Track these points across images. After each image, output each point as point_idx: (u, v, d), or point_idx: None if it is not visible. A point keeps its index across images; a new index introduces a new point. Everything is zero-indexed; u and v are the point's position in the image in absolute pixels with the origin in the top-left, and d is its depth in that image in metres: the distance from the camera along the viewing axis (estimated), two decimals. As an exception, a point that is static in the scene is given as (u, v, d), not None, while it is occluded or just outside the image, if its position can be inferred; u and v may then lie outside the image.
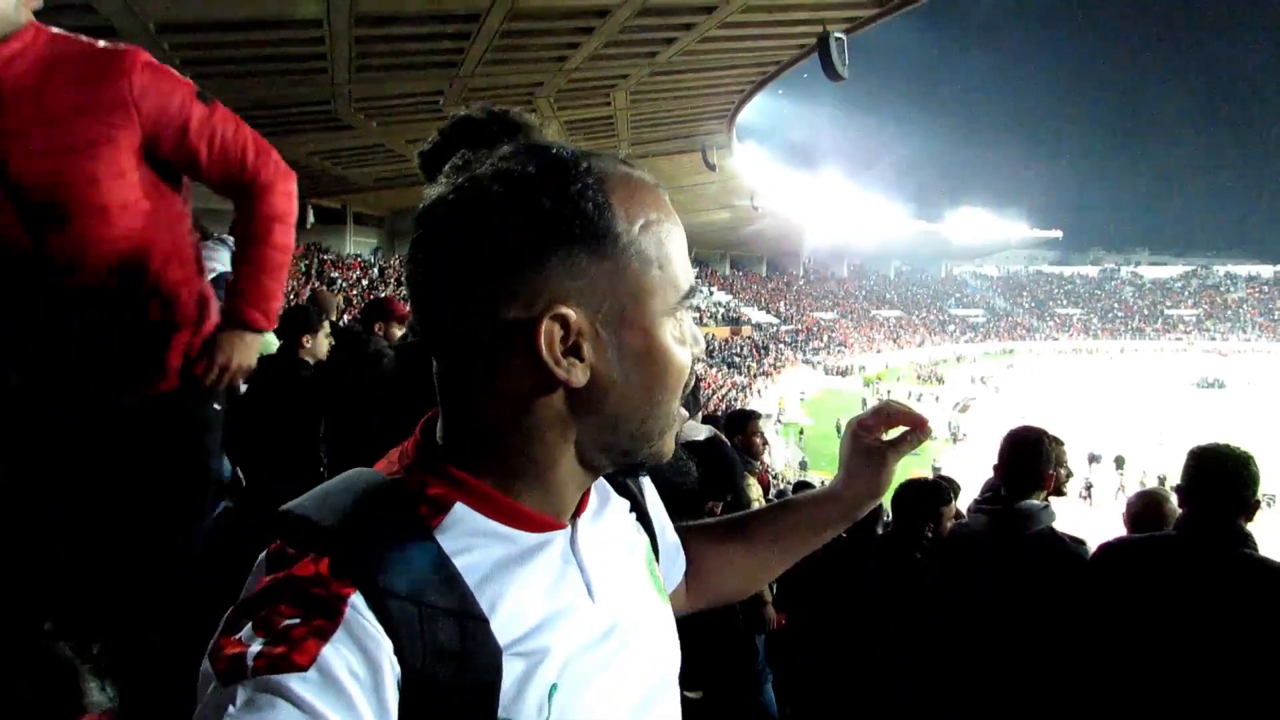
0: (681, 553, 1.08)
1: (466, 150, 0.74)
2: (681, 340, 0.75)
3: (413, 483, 0.72)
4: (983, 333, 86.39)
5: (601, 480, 0.87)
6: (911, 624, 3.18)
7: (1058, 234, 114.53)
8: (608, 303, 0.70)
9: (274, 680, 0.56)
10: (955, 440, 39.35)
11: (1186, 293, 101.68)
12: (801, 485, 7.46)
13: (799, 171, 55.70)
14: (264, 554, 0.67)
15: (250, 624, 0.60)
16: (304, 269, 30.04)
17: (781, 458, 30.69)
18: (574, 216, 0.68)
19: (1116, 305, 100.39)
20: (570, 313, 0.68)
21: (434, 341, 0.74)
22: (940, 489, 3.79)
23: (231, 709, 0.55)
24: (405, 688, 0.61)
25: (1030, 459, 2.89)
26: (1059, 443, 3.04)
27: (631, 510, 0.93)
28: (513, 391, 0.71)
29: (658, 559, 0.95)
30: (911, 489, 3.79)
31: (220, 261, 3.79)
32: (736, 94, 24.03)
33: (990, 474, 4.31)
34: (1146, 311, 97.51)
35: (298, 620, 0.59)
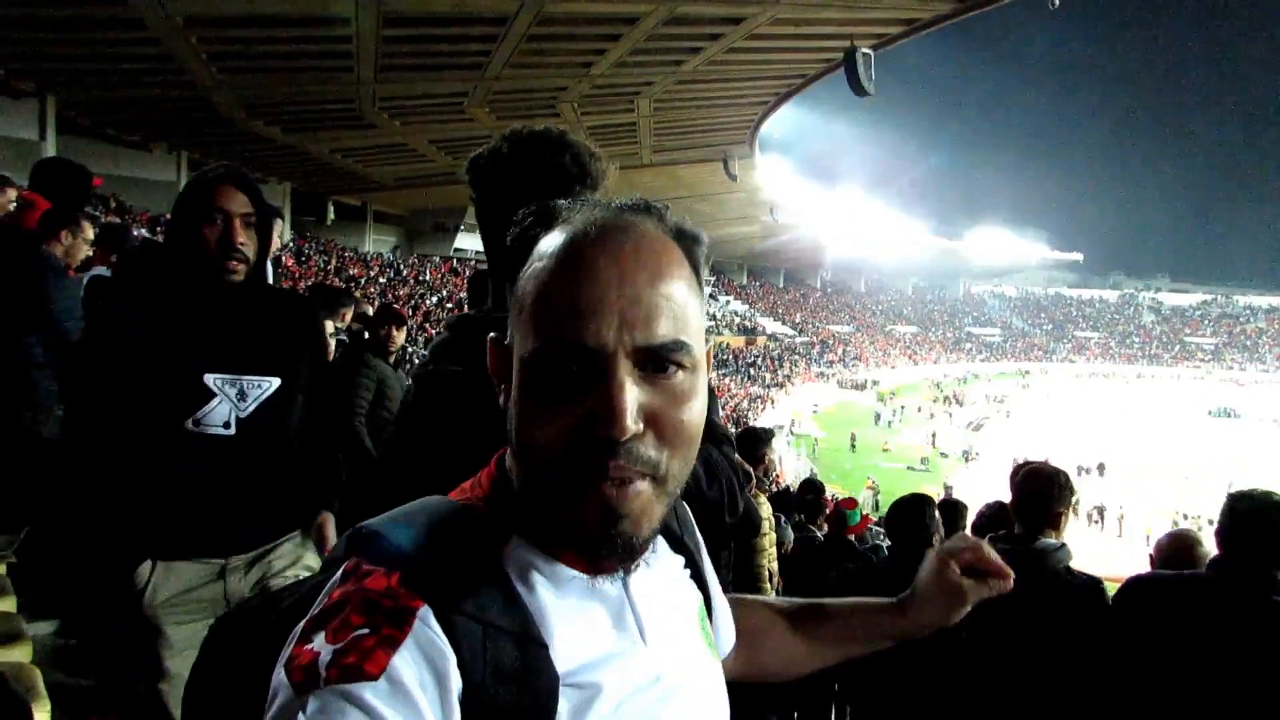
0: (731, 623, 1.06)
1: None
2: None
3: (482, 511, 0.75)
4: (999, 352, 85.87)
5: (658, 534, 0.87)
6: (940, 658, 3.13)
7: (1078, 257, 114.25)
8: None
9: (346, 689, 0.58)
10: (967, 460, 39.13)
11: (1206, 321, 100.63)
12: (808, 484, 7.39)
13: (820, 185, 55.57)
14: (340, 570, 0.69)
15: (322, 634, 0.61)
16: (322, 265, 30.22)
17: (793, 470, 30.52)
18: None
19: (1135, 330, 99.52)
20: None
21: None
22: (923, 501, 3.69)
23: (302, 716, 0.57)
24: (466, 703, 0.63)
25: (1045, 497, 2.89)
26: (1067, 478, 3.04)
27: (686, 567, 0.91)
28: None
29: (710, 619, 0.94)
30: (902, 507, 3.69)
31: None
32: (760, 105, 24.05)
33: (991, 499, 4.31)
34: (1165, 338, 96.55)
35: (367, 630, 0.61)
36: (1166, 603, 2.52)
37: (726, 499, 1.38)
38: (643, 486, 0.67)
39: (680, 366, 0.68)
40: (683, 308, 0.69)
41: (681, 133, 25.93)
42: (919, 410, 52.24)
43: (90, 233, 4.29)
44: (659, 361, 0.67)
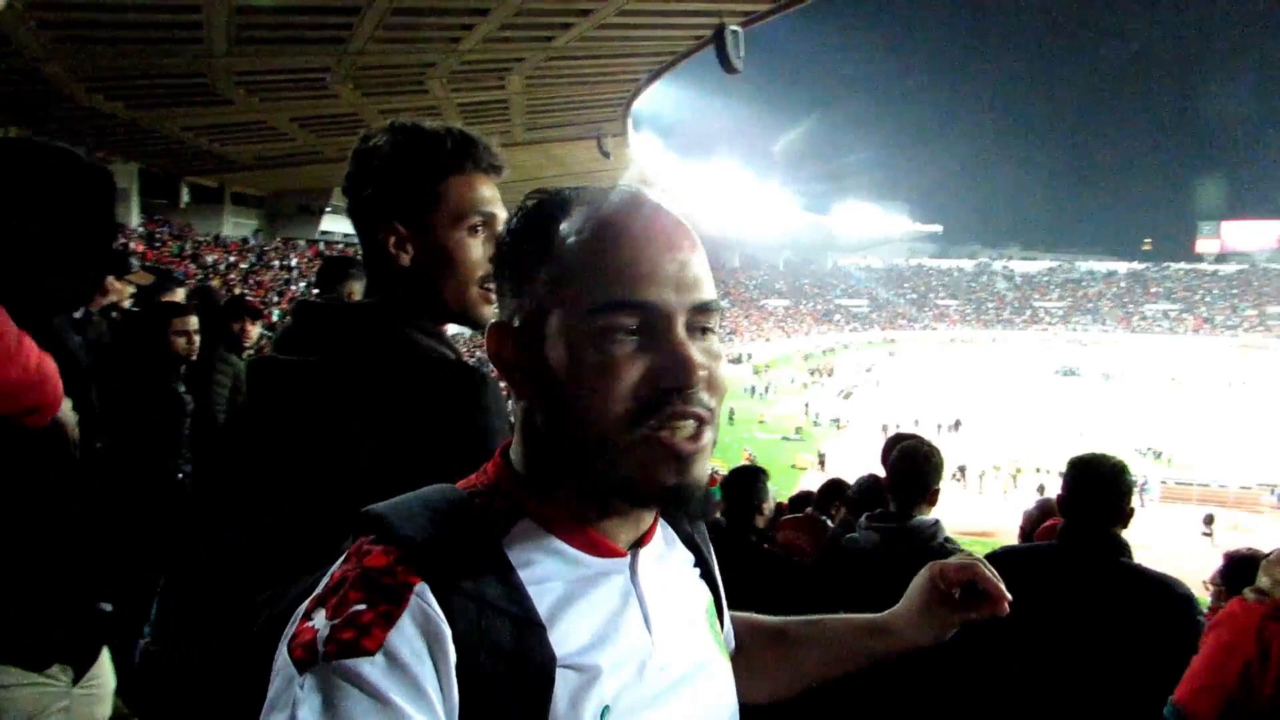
0: (733, 636, 1.06)
1: None
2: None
3: (486, 497, 0.76)
4: (866, 322, 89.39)
5: (669, 529, 0.89)
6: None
7: (938, 228, 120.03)
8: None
9: (343, 665, 0.60)
10: (839, 427, 40.64)
11: (1052, 286, 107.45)
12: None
13: (694, 163, 56.21)
14: (344, 553, 0.70)
15: (323, 611, 0.64)
16: (177, 251, 28.48)
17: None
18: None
19: (990, 298, 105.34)
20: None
21: None
22: (760, 475, 3.89)
23: (300, 692, 0.60)
24: (461, 679, 0.64)
25: (921, 476, 2.93)
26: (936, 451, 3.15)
27: (696, 565, 0.92)
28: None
29: (720, 619, 0.94)
30: (733, 477, 3.88)
31: None
32: (633, 83, 23.99)
33: (865, 470, 4.36)
34: (1017, 304, 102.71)
35: (365, 606, 0.63)
36: (1023, 575, 2.65)
37: None
38: (707, 434, 0.73)
39: (712, 330, 0.75)
40: (711, 274, 0.76)
41: (554, 110, 25.60)
42: (792, 381, 53.89)
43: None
44: (701, 325, 0.73)
